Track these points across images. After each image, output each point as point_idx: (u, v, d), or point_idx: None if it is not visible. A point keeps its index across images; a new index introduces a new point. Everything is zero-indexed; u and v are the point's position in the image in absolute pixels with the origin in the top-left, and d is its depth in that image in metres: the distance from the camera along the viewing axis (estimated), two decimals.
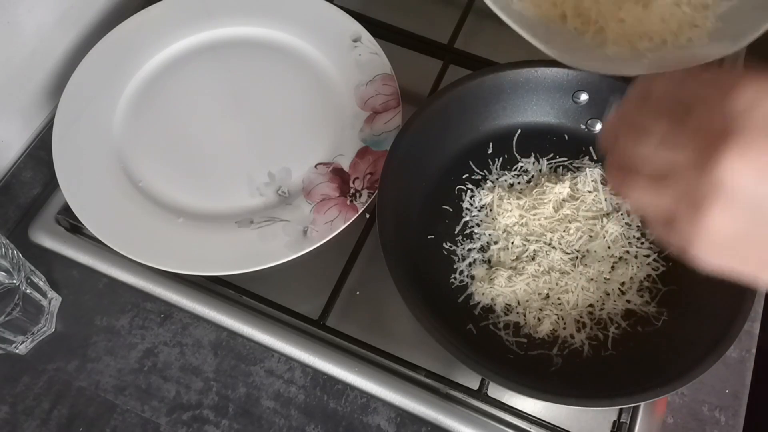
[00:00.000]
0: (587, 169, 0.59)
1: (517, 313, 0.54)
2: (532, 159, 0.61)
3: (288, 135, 0.63)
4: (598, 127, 0.61)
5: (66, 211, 0.59)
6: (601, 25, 0.53)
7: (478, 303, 0.54)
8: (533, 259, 0.55)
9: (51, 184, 0.63)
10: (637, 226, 0.57)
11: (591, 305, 0.53)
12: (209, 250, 0.56)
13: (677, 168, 0.29)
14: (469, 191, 0.59)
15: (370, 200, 0.57)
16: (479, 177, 0.60)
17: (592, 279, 0.54)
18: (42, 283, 0.56)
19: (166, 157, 0.62)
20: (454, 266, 0.56)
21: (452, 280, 0.55)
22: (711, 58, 0.50)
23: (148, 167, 0.61)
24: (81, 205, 0.57)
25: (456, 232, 0.57)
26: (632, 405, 0.53)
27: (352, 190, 0.59)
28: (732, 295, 0.49)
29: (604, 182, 0.59)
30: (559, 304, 0.54)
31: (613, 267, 0.55)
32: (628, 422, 0.53)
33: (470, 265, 0.56)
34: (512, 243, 0.56)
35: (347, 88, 0.64)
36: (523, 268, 0.54)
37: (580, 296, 0.54)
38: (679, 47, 0.53)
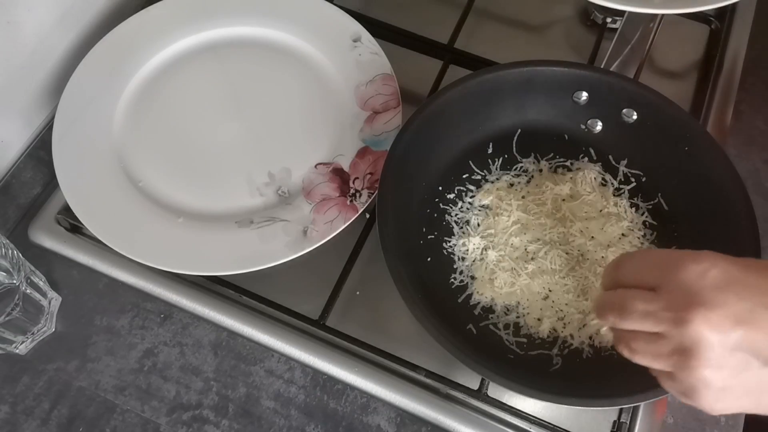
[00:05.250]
0: (587, 169, 0.59)
1: (517, 313, 0.54)
2: (532, 159, 0.61)
3: (288, 135, 0.63)
4: (598, 127, 0.61)
5: (66, 211, 0.60)
6: None
7: (478, 303, 0.54)
8: (533, 259, 0.55)
9: (51, 184, 0.63)
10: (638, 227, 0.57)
11: (591, 305, 0.53)
12: (209, 250, 0.56)
13: (665, 332, 0.36)
14: (469, 191, 0.59)
15: (370, 200, 0.57)
16: (479, 177, 0.60)
17: (591, 279, 0.54)
18: (42, 283, 0.56)
19: (166, 157, 0.62)
20: (454, 266, 0.56)
21: (452, 280, 0.55)
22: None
23: (148, 167, 0.61)
24: (81, 205, 0.57)
25: (456, 232, 0.57)
26: (632, 405, 0.53)
27: (352, 190, 0.59)
28: None
29: (603, 182, 0.59)
30: (559, 304, 0.54)
31: None
32: (628, 422, 0.53)
33: (470, 265, 0.56)
34: (512, 243, 0.56)
35: (347, 88, 0.64)
36: (523, 268, 0.55)
37: (580, 296, 0.54)
38: None
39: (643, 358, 0.38)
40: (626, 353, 0.39)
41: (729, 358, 0.34)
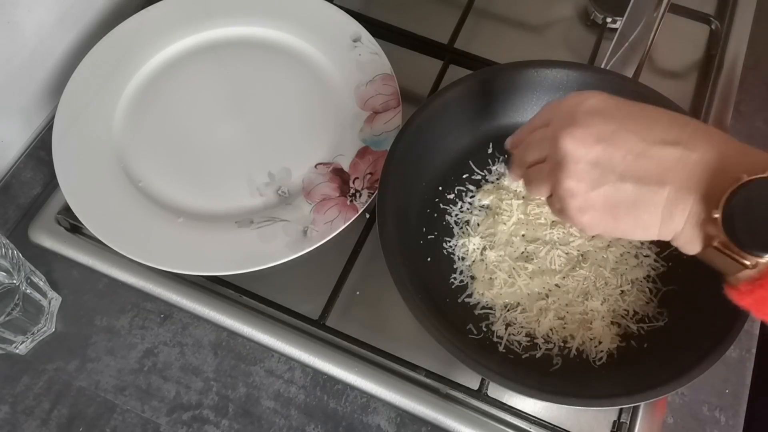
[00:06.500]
0: None
1: (517, 313, 0.54)
2: None
3: (288, 135, 0.63)
4: None
5: (66, 211, 0.60)
6: None
7: (478, 303, 0.54)
8: (533, 259, 0.55)
9: (51, 184, 0.63)
10: None
11: (591, 305, 0.53)
12: (209, 250, 0.56)
13: (547, 155, 0.41)
14: (469, 191, 0.59)
15: (370, 200, 0.57)
16: (479, 177, 0.60)
17: (591, 279, 0.54)
18: (42, 283, 0.56)
19: (166, 157, 0.62)
20: (454, 266, 0.56)
21: (452, 280, 0.55)
22: None
23: (148, 167, 0.61)
24: (81, 205, 0.57)
25: (456, 232, 0.57)
26: (632, 405, 0.53)
27: (352, 190, 0.59)
28: None
29: None
30: (559, 304, 0.54)
31: (613, 267, 0.55)
32: (628, 422, 0.53)
33: (470, 265, 0.56)
34: (512, 243, 0.56)
35: (347, 88, 0.64)
36: (523, 268, 0.55)
37: (580, 296, 0.54)
38: None
39: (536, 185, 0.42)
40: (527, 186, 0.44)
41: (590, 171, 0.38)
